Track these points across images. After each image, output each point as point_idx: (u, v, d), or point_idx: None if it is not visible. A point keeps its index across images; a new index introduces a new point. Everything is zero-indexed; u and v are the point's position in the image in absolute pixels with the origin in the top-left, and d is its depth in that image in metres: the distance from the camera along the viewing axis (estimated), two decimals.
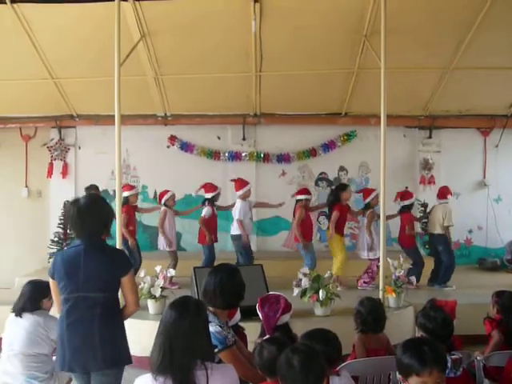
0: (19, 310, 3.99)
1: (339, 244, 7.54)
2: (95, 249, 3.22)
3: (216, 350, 2.98)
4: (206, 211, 7.62)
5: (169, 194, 7.77)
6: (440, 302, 4.07)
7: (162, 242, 7.70)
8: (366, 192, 7.77)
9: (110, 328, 3.16)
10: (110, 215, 3.42)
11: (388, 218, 6.53)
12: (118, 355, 3.18)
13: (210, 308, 3.19)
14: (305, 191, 7.74)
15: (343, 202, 7.58)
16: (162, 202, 7.77)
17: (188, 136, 9.60)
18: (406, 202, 7.76)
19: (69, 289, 3.15)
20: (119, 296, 3.35)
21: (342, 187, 7.77)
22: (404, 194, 7.88)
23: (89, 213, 3.23)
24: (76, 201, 3.30)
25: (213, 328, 3.02)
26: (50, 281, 3.30)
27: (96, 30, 6.90)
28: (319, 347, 2.64)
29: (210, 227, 7.62)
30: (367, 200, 7.59)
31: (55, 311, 3.56)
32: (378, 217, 6.76)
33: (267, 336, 3.35)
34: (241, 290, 3.33)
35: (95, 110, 9.04)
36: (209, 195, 7.72)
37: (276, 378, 2.64)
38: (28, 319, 3.95)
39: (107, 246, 3.38)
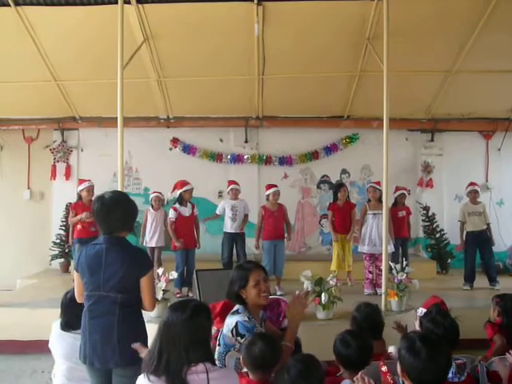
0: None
1: (334, 240, 7.77)
2: (116, 247, 3.21)
3: (244, 339, 3.03)
4: (170, 213, 7.39)
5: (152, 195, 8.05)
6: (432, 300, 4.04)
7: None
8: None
9: (128, 326, 3.16)
10: (134, 212, 3.37)
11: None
12: (136, 353, 3.13)
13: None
14: (269, 186, 7.69)
15: (339, 201, 7.73)
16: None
17: (190, 138, 9.61)
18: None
19: (91, 287, 3.19)
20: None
21: (336, 187, 7.99)
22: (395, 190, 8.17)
23: (112, 209, 3.22)
24: (100, 197, 3.29)
25: (240, 317, 3.13)
26: (74, 273, 3.34)
27: (99, 33, 6.92)
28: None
29: (176, 230, 7.31)
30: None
31: None
32: (371, 208, 7.38)
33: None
34: None
35: (98, 112, 9.06)
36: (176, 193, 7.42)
37: (260, 374, 2.72)
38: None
39: (128, 244, 3.30)
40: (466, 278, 7.84)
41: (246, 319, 3.13)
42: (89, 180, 7.68)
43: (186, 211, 7.34)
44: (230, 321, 3.16)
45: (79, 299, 3.35)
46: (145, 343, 3.24)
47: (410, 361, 2.39)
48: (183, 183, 7.41)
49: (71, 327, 3.53)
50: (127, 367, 3.12)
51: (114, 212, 3.22)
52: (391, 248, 7.20)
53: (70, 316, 3.53)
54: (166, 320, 2.38)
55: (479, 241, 7.87)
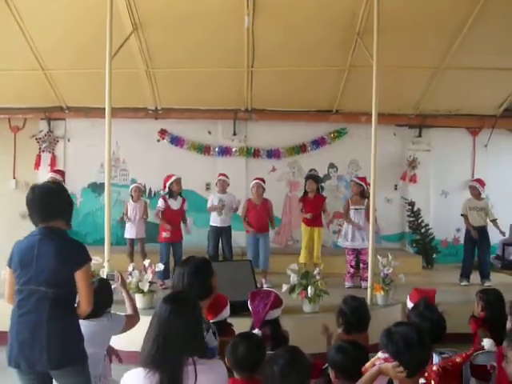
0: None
1: (302, 233, 7.79)
2: (50, 239, 3.01)
3: None
4: (159, 202, 7.47)
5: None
6: (421, 291, 4.07)
7: None
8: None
9: (60, 324, 2.95)
10: (67, 201, 3.19)
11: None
12: (66, 355, 2.96)
13: None
14: (253, 179, 7.72)
15: (309, 193, 7.73)
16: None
17: (178, 130, 9.56)
18: None
19: (22, 280, 2.98)
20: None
21: (305, 179, 8.02)
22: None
23: (46, 200, 3.05)
24: (34, 187, 3.12)
25: None
26: (6, 269, 3.12)
27: (87, 21, 6.86)
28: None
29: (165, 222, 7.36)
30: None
31: None
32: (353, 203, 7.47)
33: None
34: (206, 280, 3.06)
35: (85, 102, 8.97)
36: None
37: (245, 375, 2.70)
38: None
39: (64, 235, 3.09)
40: (463, 273, 7.88)
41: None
42: (59, 171, 7.63)
43: (174, 204, 7.34)
44: None
45: (8, 299, 3.13)
46: (79, 344, 3.07)
47: (387, 344, 2.47)
48: (169, 176, 7.42)
49: (89, 316, 3.41)
50: (56, 370, 2.96)
51: (44, 199, 3.06)
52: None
53: None
54: (163, 313, 2.32)
55: (478, 237, 7.87)
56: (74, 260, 3.00)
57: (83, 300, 3.03)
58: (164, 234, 7.30)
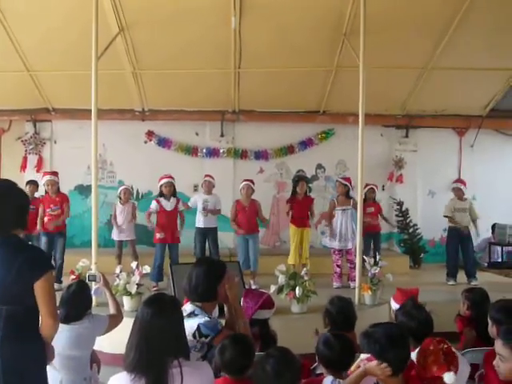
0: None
1: (291, 234, 7.71)
2: (3, 247, 2.60)
3: (209, 338, 2.94)
4: (152, 203, 7.40)
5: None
6: (404, 291, 4.08)
7: None
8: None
9: (14, 349, 2.51)
10: (25, 205, 2.79)
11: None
12: (25, 380, 2.54)
13: (197, 303, 3.11)
14: (242, 181, 7.69)
15: (298, 194, 7.67)
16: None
17: (166, 132, 9.53)
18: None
19: None
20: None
21: (295, 180, 7.96)
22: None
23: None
24: None
25: (201, 319, 2.98)
26: None
27: (73, 22, 6.82)
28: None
29: (158, 223, 7.32)
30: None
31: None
32: (339, 204, 7.45)
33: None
34: (212, 283, 3.14)
35: (71, 103, 8.91)
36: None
37: (234, 377, 2.67)
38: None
39: (19, 243, 2.67)
40: (450, 272, 7.95)
41: (207, 319, 2.99)
42: (53, 172, 7.55)
43: (168, 205, 7.29)
44: (189, 324, 2.92)
45: None
46: (41, 372, 2.68)
47: (370, 344, 2.48)
48: (161, 178, 7.39)
49: (70, 320, 3.45)
50: None
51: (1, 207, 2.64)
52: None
53: (71, 309, 3.47)
54: (145, 317, 2.31)
55: (461, 236, 7.96)
56: (30, 271, 2.55)
57: (46, 317, 2.58)
58: (158, 236, 7.23)
